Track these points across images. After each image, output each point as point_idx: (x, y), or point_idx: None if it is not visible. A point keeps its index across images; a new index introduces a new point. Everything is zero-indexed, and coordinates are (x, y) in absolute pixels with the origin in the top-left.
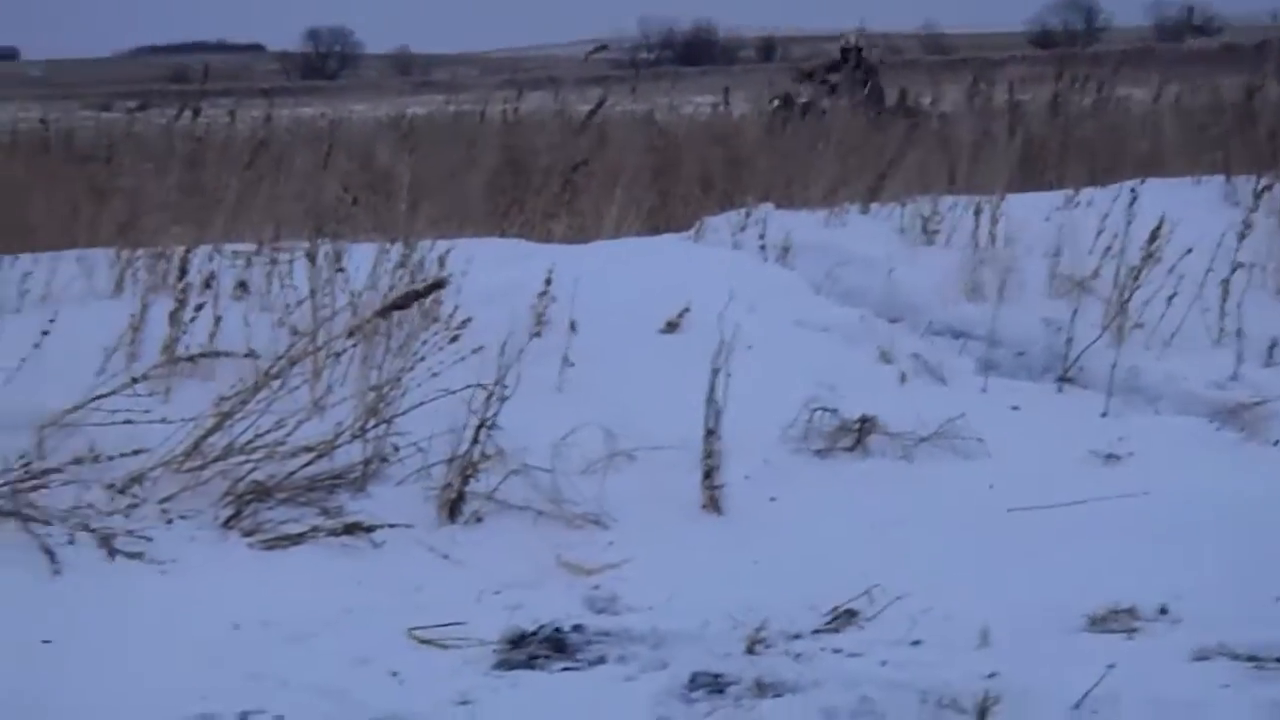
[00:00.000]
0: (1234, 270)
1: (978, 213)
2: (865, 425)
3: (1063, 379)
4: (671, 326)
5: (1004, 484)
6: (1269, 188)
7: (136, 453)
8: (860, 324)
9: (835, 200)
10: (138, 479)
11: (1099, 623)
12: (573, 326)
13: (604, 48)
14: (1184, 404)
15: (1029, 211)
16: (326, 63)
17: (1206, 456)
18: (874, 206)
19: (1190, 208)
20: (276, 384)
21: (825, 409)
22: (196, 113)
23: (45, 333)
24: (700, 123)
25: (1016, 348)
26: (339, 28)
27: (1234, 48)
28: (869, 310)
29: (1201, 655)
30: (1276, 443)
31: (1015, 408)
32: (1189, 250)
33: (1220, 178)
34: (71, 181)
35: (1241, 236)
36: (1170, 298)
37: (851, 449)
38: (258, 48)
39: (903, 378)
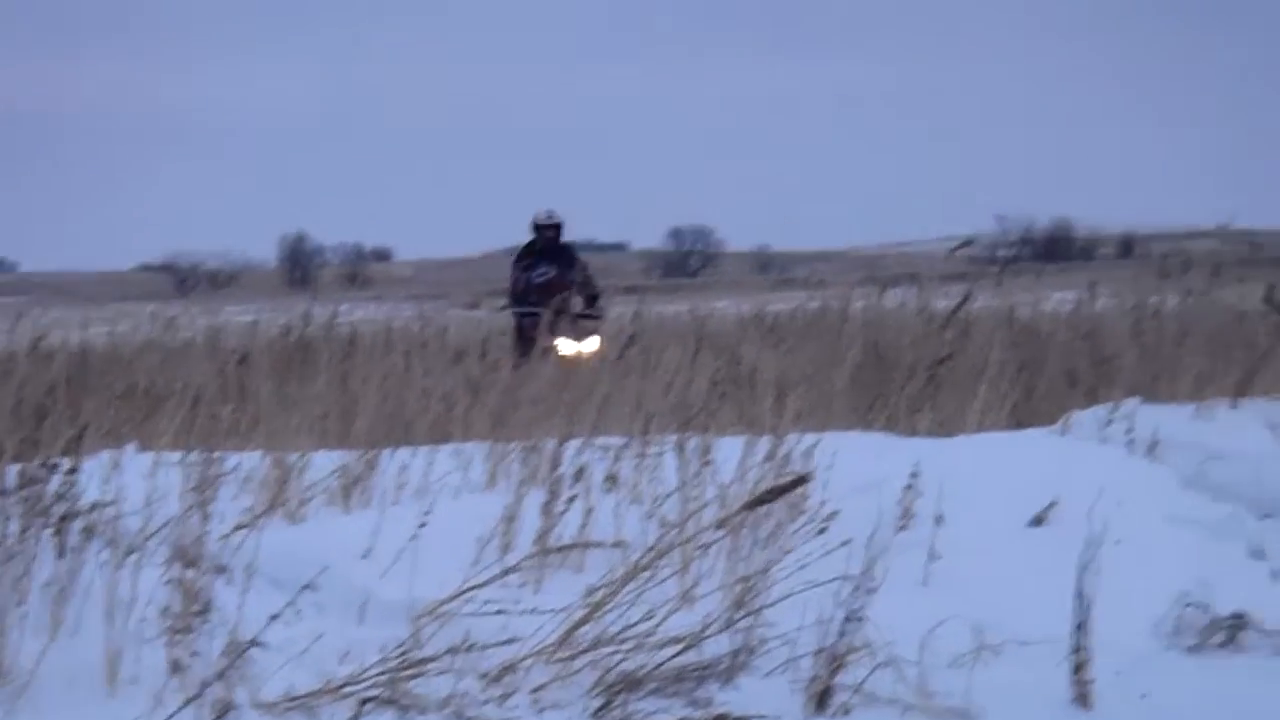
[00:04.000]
0: None
1: None
2: (1238, 622)
3: None
4: (1038, 520)
5: None
6: None
7: (509, 642)
8: (1231, 520)
9: (1202, 396)
10: (510, 668)
11: None
12: (939, 520)
13: (969, 243)
14: None
15: None
16: (688, 260)
17: None
18: (1243, 402)
19: None
20: (646, 575)
21: (1196, 605)
22: None
23: (422, 524)
24: (1063, 319)
25: None
26: (701, 226)
27: None
28: (1240, 506)
29: None
30: None
31: None
32: None
33: None
34: (445, 376)
35: None
36: None
37: (1224, 646)
38: (620, 247)
39: (1275, 575)
